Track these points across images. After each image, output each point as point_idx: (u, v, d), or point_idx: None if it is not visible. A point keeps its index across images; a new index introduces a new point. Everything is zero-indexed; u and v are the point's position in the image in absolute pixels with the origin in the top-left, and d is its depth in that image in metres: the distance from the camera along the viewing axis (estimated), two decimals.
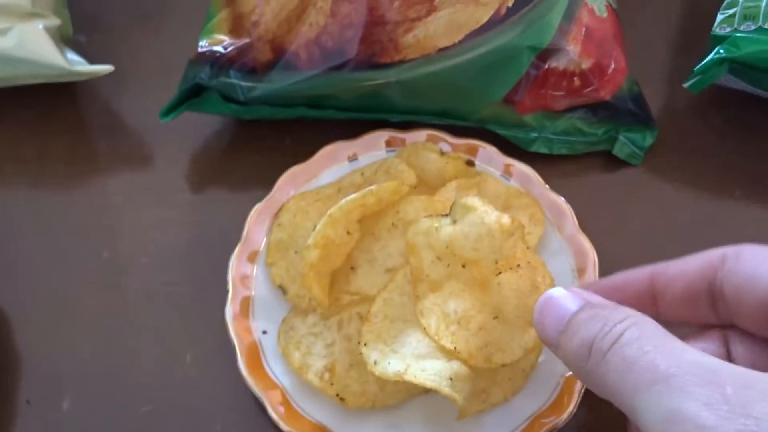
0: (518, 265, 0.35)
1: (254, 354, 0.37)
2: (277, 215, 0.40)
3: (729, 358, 0.29)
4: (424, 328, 0.34)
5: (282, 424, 0.35)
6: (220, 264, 0.39)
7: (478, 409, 0.35)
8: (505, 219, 0.34)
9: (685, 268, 0.29)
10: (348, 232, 0.36)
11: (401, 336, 0.34)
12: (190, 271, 0.41)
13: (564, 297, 0.28)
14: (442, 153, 0.40)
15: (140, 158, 0.45)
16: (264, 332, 0.37)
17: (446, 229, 0.34)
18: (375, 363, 0.33)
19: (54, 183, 0.44)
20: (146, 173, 0.45)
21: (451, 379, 0.32)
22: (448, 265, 0.35)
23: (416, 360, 0.33)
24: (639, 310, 0.27)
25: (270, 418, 0.35)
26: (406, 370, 0.32)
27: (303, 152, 0.42)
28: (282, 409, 0.35)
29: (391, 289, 0.36)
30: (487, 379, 0.35)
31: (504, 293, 0.34)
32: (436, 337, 0.33)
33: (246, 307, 0.38)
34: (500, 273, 0.35)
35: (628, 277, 0.31)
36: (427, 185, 0.40)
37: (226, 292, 0.38)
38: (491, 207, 0.35)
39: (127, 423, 0.37)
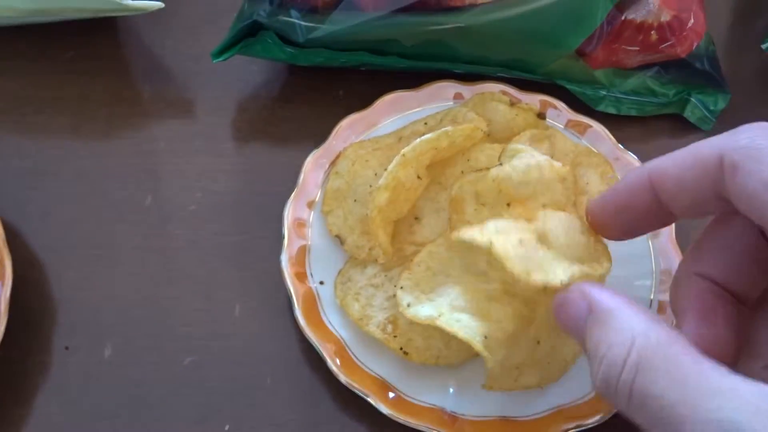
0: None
1: (311, 304, 0.34)
2: (333, 163, 0.38)
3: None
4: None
5: (341, 376, 0.32)
6: (271, 215, 0.37)
7: (507, 386, 0.32)
8: (557, 163, 0.31)
9: (683, 180, 0.26)
10: (418, 177, 0.34)
11: (440, 288, 0.32)
12: (240, 221, 0.39)
13: (571, 301, 0.25)
14: (512, 104, 0.37)
15: (186, 104, 0.43)
16: (321, 282, 0.35)
17: (494, 169, 0.31)
18: (408, 306, 0.31)
19: (95, 126, 0.42)
20: (192, 120, 0.43)
21: (485, 337, 0.30)
22: (492, 208, 0.31)
23: (451, 310, 0.30)
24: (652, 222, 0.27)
25: (324, 371, 0.33)
26: (439, 316, 0.30)
27: (357, 105, 0.40)
28: (340, 361, 0.33)
29: (439, 243, 0.33)
30: (525, 356, 0.32)
31: (550, 223, 0.31)
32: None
33: (302, 256, 0.36)
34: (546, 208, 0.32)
35: (630, 191, 0.27)
36: (493, 138, 0.37)
37: (278, 243, 0.36)
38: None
39: (171, 373, 0.35)
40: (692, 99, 0.42)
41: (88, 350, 0.35)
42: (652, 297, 0.36)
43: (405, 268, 0.33)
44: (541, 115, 0.37)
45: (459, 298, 0.31)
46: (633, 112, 0.42)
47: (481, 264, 0.31)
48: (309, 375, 0.35)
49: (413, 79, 0.41)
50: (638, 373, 0.21)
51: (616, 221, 0.29)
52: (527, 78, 0.41)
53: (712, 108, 0.42)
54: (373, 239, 0.34)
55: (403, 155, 0.32)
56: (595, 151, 0.39)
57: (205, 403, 0.34)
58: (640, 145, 0.42)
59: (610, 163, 0.38)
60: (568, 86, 0.41)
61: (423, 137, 0.33)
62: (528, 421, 0.32)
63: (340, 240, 0.36)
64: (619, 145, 0.39)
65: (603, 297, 0.24)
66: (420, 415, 0.32)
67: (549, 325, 0.32)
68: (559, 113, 0.40)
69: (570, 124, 0.40)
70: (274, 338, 0.36)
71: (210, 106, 0.43)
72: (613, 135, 0.40)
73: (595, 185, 0.37)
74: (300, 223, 0.36)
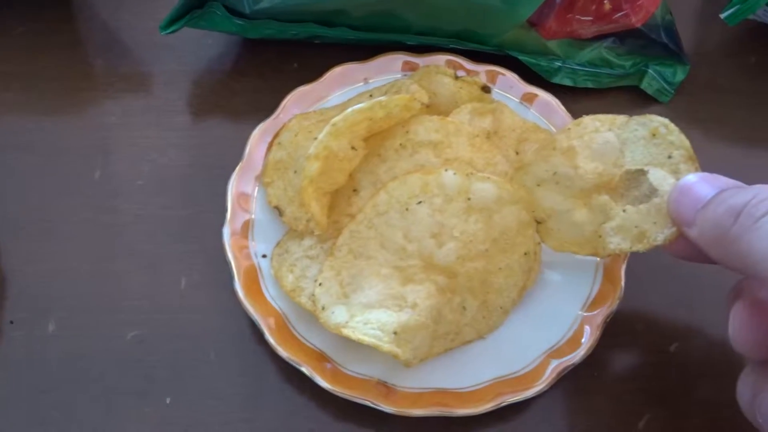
0: None
1: (252, 277, 0.34)
2: (277, 134, 0.37)
3: None
4: None
5: (279, 349, 0.32)
6: (219, 189, 0.37)
7: (445, 347, 0.33)
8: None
9: None
10: (353, 148, 0.33)
11: (359, 277, 0.32)
12: (188, 195, 0.39)
13: (701, 183, 0.28)
14: (456, 77, 0.37)
15: (139, 78, 0.43)
16: (264, 256, 0.35)
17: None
18: (323, 308, 0.32)
19: (44, 101, 0.41)
20: (144, 94, 0.42)
21: (395, 333, 0.30)
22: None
23: (362, 311, 0.31)
24: None
25: (267, 345, 0.33)
26: (347, 323, 0.31)
27: (311, 78, 0.40)
28: (279, 334, 0.33)
29: (360, 221, 0.33)
30: (452, 324, 0.33)
31: None
32: None
33: (246, 230, 0.35)
34: None
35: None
36: (438, 111, 0.37)
37: (225, 215, 0.36)
38: None
39: (114, 347, 0.35)
40: (650, 70, 0.42)
41: (33, 324, 0.35)
42: None
43: (330, 252, 0.33)
44: (486, 89, 0.37)
45: (374, 290, 0.31)
46: (589, 84, 0.42)
47: (397, 238, 0.31)
48: (253, 349, 0.35)
49: (368, 51, 0.41)
50: None
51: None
52: (479, 49, 0.40)
53: (670, 80, 0.42)
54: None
55: (333, 125, 0.32)
56: (542, 128, 0.38)
57: (147, 376, 0.34)
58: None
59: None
60: (522, 58, 0.40)
61: (355, 107, 0.32)
62: (465, 393, 0.32)
63: (279, 211, 0.35)
64: (570, 115, 0.39)
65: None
66: (357, 388, 0.32)
67: (473, 286, 0.32)
68: (512, 86, 0.39)
69: (524, 97, 0.39)
70: (219, 312, 0.36)
71: (163, 80, 0.43)
72: (570, 108, 0.40)
73: None
74: (244, 197, 0.36)
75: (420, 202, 0.32)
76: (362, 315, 0.31)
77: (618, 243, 0.30)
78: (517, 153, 0.36)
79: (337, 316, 0.31)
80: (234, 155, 0.38)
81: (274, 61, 0.43)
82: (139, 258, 0.37)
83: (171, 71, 0.43)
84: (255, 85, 0.42)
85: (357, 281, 0.32)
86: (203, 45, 0.44)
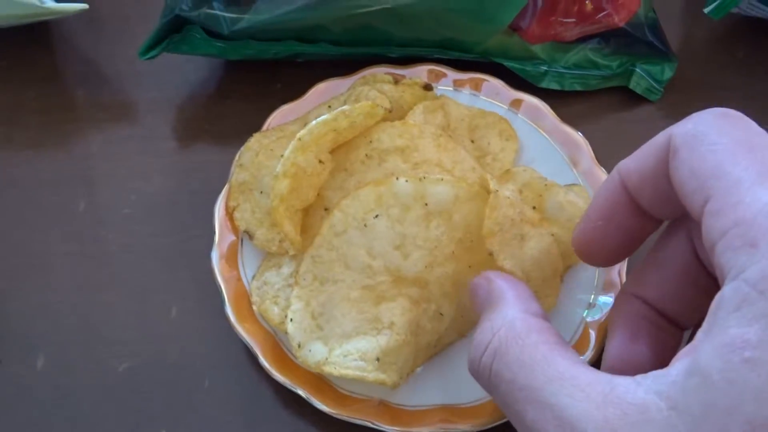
0: None
1: (244, 300, 0.33)
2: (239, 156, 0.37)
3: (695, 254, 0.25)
4: None
5: (274, 372, 0.31)
6: (206, 213, 0.36)
7: (428, 355, 0.32)
8: None
9: (643, 170, 0.24)
10: (320, 161, 0.32)
11: (329, 305, 0.31)
12: (176, 221, 0.38)
13: (479, 285, 0.27)
14: (396, 81, 0.36)
15: (120, 107, 0.42)
16: (254, 277, 0.34)
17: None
18: (299, 346, 0.30)
19: (27, 134, 0.41)
20: (127, 122, 0.42)
21: (378, 359, 0.29)
22: None
23: (340, 342, 0.30)
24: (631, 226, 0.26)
25: (262, 369, 0.32)
26: (326, 359, 0.30)
27: (295, 97, 0.39)
28: (274, 357, 0.32)
29: (318, 245, 0.32)
30: (432, 333, 0.31)
31: None
32: None
33: (234, 252, 0.35)
34: None
35: (608, 199, 0.26)
36: (388, 119, 0.36)
37: (213, 239, 0.35)
38: None
39: (106, 380, 0.34)
40: (637, 69, 0.41)
41: (21, 361, 0.34)
42: None
43: (295, 283, 0.32)
44: (428, 87, 0.36)
45: (347, 317, 0.30)
46: (577, 87, 0.41)
47: (361, 256, 0.30)
48: (248, 374, 0.34)
49: (352, 67, 0.40)
50: (496, 356, 0.23)
51: (605, 241, 0.27)
52: (464, 58, 0.40)
53: (658, 78, 0.41)
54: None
55: (299, 139, 0.31)
56: (489, 111, 0.38)
57: (140, 408, 0.33)
58: (588, 120, 0.41)
59: (507, 120, 0.37)
60: (507, 64, 0.40)
61: (319, 119, 0.31)
62: (469, 408, 0.31)
63: (248, 235, 0.35)
64: (558, 118, 0.38)
65: (499, 285, 0.26)
66: (357, 409, 0.31)
67: (446, 291, 0.31)
68: (498, 92, 0.39)
69: (512, 103, 0.39)
70: (212, 339, 0.35)
71: (145, 108, 0.42)
72: (559, 111, 0.39)
73: (495, 144, 0.37)
74: (232, 219, 0.35)
75: (377, 216, 0.31)
76: (341, 347, 0.30)
77: None
78: (472, 141, 0.35)
79: (315, 353, 0.30)
80: (221, 179, 0.37)
81: (258, 83, 0.43)
82: (128, 288, 0.36)
83: (154, 98, 0.42)
84: (239, 107, 0.42)
85: (328, 310, 0.31)
86: (185, 70, 0.43)
